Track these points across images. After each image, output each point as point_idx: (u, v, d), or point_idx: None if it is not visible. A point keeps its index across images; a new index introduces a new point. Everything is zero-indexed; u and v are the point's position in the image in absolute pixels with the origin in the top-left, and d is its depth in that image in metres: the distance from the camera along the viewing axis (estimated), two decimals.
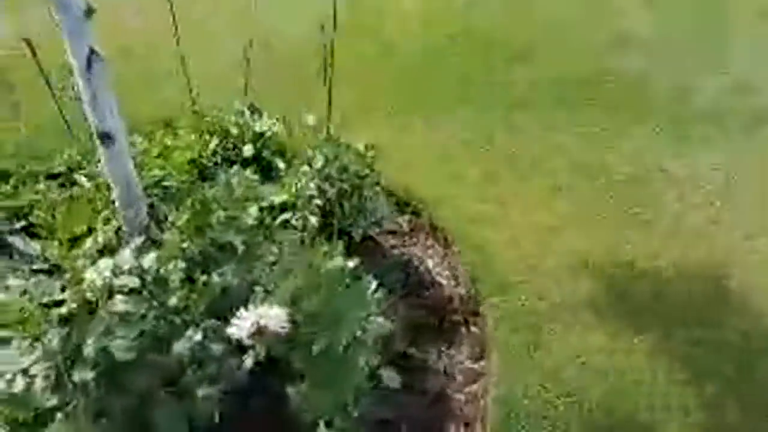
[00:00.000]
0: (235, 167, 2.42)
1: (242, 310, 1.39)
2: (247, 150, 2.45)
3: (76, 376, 1.45)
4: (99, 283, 1.57)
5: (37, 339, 1.47)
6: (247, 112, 2.68)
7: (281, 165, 2.43)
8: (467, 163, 3.07)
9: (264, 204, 1.99)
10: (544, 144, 3.16)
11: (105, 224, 1.87)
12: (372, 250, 2.58)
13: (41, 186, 2.06)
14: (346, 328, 1.69)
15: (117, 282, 1.55)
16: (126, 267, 1.59)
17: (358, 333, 1.73)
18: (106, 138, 1.70)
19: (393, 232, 2.81)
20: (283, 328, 1.38)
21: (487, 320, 2.36)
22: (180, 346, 1.57)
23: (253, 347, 1.42)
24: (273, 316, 1.38)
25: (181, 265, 1.71)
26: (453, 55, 3.81)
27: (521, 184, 2.94)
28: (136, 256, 1.62)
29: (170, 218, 1.69)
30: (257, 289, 1.52)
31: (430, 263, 2.67)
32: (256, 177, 2.27)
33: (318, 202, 2.27)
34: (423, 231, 2.83)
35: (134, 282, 1.54)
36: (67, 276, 1.48)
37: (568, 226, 2.72)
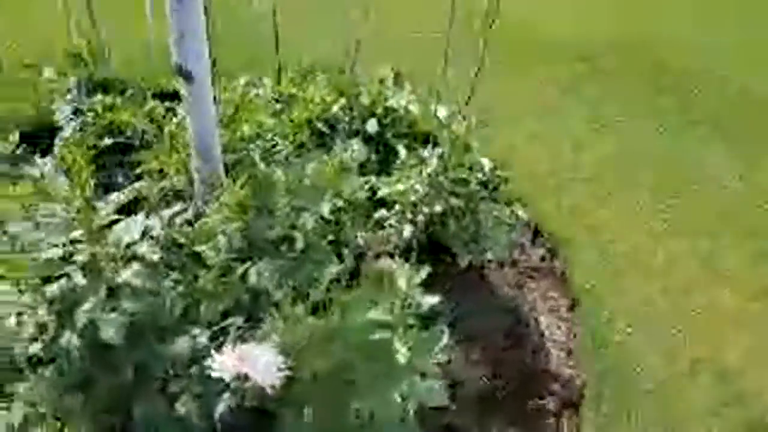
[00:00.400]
0: (355, 140, 2.14)
1: (228, 345, 1.10)
2: (371, 125, 2.13)
3: (63, 340, 1.30)
4: (125, 240, 1.39)
5: (43, 284, 1.33)
6: (390, 80, 2.35)
7: (402, 153, 2.07)
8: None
9: (347, 199, 1.67)
10: None
11: (175, 172, 1.69)
12: (476, 283, 2.16)
13: (145, 107, 1.96)
14: (377, 393, 1.34)
15: (138, 249, 1.35)
16: (155, 233, 1.38)
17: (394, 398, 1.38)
18: (186, 76, 1.49)
19: (516, 266, 2.35)
20: (270, 385, 1.07)
21: (585, 423, 1.84)
22: (181, 343, 1.35)
23: (236, 390, 1.14)
24: (261, 365, 1.07)
25: (224, 244, 1.47)
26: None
27: None
28: (170, 222, 1.41)
29: (225, 189, 1.45)
30: (267, 318, 1.21)
31: (544, 321, 2.17)
32: (363, 157, 1.97)
33: (425, 210, 1.89)
34: (552, 276, 2.33)
35: (154, 253, 1.33)
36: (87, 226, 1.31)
37: None
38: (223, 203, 1.42)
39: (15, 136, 1.86)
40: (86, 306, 1.30)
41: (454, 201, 1.77)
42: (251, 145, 1.72)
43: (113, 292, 1.34)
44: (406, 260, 1.63)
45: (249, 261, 1.50)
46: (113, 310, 1.31)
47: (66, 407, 1.33)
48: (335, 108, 2.17)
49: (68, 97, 2.03)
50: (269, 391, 1.07)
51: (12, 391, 1.31)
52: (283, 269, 1.51)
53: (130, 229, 1.41)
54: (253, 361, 1.07)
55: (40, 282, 1.31)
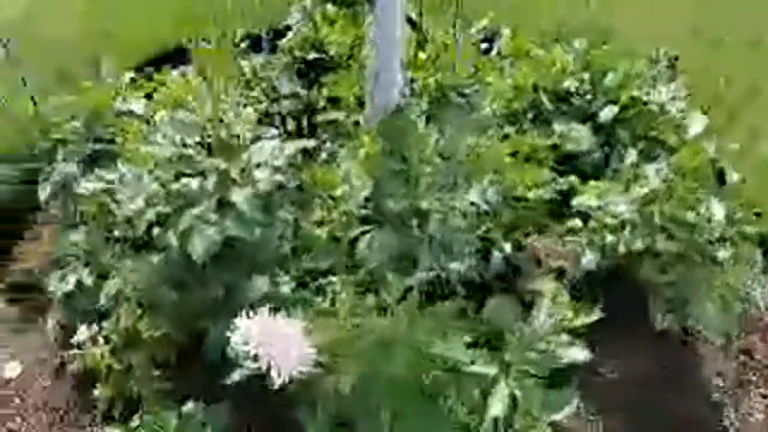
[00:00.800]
0: (583, 127, 1.78)
1: (260, 310, 0.97)
2: (605, 114, 1.73)
3: (169, 234, 1.33)
4: (255, 160, 1.35)
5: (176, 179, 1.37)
6: (663, 63, 1.87)
7: (630, 159, 1.64)
8: None
9: (520, 195, 1.38)
10: None
11: (351, 104, 1.59)
12: (674, 352, 1.66)
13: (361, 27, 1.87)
14: None
15: (257, 174, 1.29)
16: (279, 162, 1.31)
17: None
18: None
19: (747, 356, 1.75)
20: (283, 373, 0.93)
21: None
22: (259, 282, 1.28)
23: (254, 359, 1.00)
24: (283, 347, 0.93)
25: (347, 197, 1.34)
26: None
27: None
28: (299, 155, 1.32)
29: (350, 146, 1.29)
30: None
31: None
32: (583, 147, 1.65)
33: (620, 245, 1.48)
34: None
35: (266, 183, 1.26)
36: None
37: None
38: (355, 151, 1.27)
39: (237, 34, 1.96)
40: (195, 210, 1.30)
41: (661, 244, 1.33)
42: (436, 94, 1.51)
43: (223, 207, 1.32)
44: (577, 294, 1.32)
45: (369, 224, 1.35)
46: (214, 224, 1.29)
47: (155, 298, 1.39)
48: (567, 82, 1.80)
49: (303, 3, 2.05)
50: (276, 378, 0.92)
51: (118, 266, 1.40)
52: (400, 246, 1.32)
53: (263, 150, 1.36)
54: (279, 340, 0.93)
55: (172, 176, 1.35)
